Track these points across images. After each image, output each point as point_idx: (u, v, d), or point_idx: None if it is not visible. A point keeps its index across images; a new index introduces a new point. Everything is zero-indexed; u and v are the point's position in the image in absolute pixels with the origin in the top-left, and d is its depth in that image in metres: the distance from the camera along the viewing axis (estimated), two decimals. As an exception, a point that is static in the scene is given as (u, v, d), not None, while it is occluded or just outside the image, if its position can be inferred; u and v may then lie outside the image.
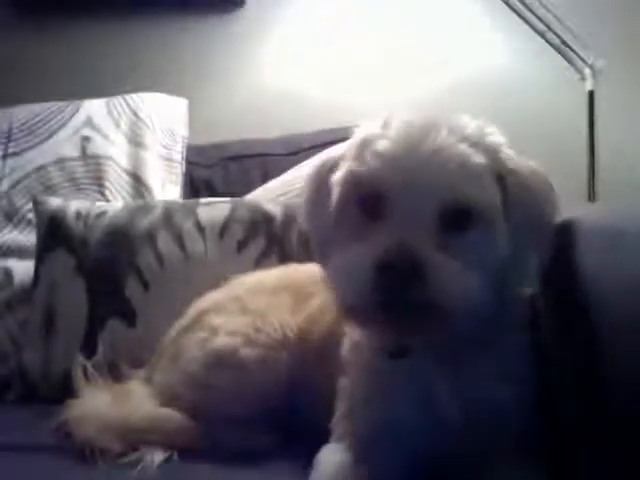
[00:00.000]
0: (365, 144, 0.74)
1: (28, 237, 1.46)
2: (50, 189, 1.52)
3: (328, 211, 0.76)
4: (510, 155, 0.75)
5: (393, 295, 0.65)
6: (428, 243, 0.66)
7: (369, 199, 0.71)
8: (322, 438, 0.81)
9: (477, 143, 0.72)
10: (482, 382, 0.76)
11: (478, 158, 0.71)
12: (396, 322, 0.69)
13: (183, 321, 1.07)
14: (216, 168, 1.67)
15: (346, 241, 0.72)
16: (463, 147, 0.70)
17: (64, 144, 1.57)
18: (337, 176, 0.75)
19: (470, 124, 0.74)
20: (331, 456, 0.78)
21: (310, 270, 1.08)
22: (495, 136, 0.76)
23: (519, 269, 0.74)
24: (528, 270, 0.76)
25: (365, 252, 0.67)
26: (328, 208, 0.76)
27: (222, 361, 0.96)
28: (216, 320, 1.01)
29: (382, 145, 0.71)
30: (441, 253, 0.67)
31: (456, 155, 0.69)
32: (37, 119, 1.61)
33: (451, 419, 0.75)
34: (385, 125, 0.74)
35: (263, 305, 1.01)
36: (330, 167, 0.79)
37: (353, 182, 0.73)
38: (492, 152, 0.73)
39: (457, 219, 0.69)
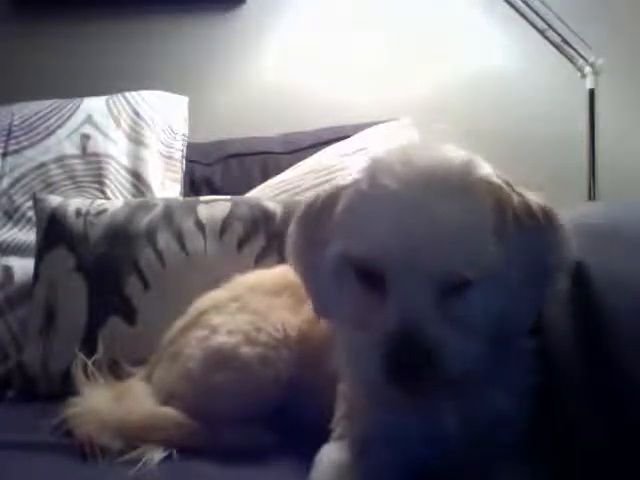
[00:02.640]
0: (352, 217, 0.72)
1: (28, 235, 1.46)
2: (50, 187, 1.52)
3: (322, 261, 0.74)
4: (505, 193, 0.71)
5: (404, 378, 0.67)
6: (431, 319, 0.66)
7: (365, 275, 0.70)
8: (322, 437, 0.81)
9: (469, 191, 0.68)
10: (482, 386, 0.75)
11: (472, 217, 0.67)
12: (406, 393, 0.69)
13: (183, 320, 1.07)
14: (216, 166, 1.67)
15: (348, 308, 0.72)
16: (456, 211, 0.66)
17: (64, 142, 1.57)
18: (330, 252, 0.73)
19: (457, 164, 0.70)
20: (331, 456, 0.78)
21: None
22: (484, 170, 0.71)
23: (526, 308, 0.73)
24: (536, 306, 0.75)
25: (372, 342, 0.67)
26: (321, 257, 0.74)
27: (222, 359, 0.96)
28: (216, 319, 1.01)
29: (371, 225, 0.69)
30: (444, 323, 0.66)
31: (450, 225, 0.66)
32: (37, 117, 1.61)
33: (450, 424, 0.75)
34: (371, 181, 0.71)
35: (264, 305, 1.01)
36: (318, 209, 0.77)
37: (346, 262, 0.71)
38: (485, 196, 0.69)
39: (457, 286, 0.68)
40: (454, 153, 0.72)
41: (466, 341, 0.67)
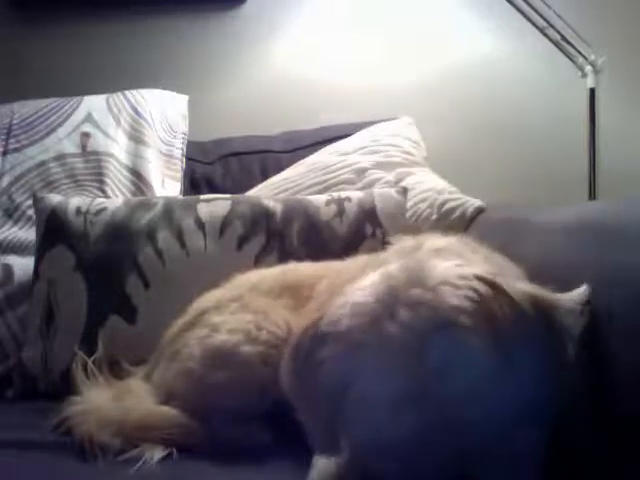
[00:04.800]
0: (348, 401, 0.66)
1: (28, 233, 1.46)
2: (50, 185, 1.52)
3: (323, 399, 0.70)
4: (490, 302, 0.66)
5: None
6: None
7: None
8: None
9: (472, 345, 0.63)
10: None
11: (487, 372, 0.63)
12: None
13: (183, 319, 1.07)
14: (216, 165, 1.67)
15: None
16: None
17: (64, 140, 1.57)
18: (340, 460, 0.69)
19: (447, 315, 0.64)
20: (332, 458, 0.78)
21: (309, 270, 1.08)
22: (459, 297, 0.66)
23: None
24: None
25: None
26: (321, 396, 0.70)
27: (222, 358, 0.96)
28: (217, 318, 1.01)
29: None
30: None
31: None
32: (37, 115, 1.60)
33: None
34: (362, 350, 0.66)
35: (265, 304, 1.01)
36: (311, 348, 0.73)
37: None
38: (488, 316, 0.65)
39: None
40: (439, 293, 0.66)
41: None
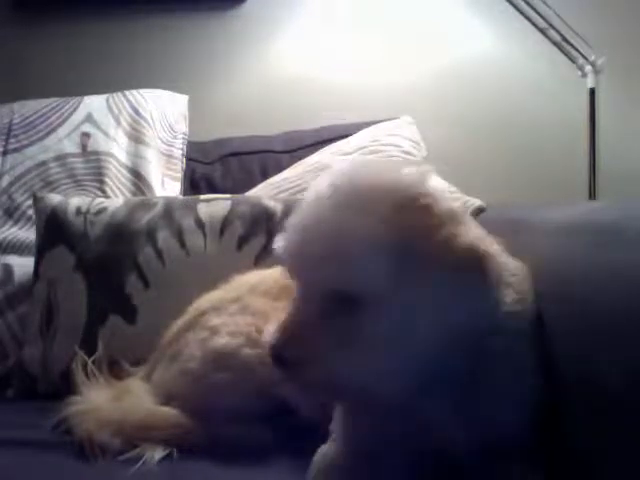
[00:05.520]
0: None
1: (28, 233, 1.46)
2: (50, 185, 1.52)
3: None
4: (429, 219, 0.66)
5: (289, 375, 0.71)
6: (315, 330, 0.69)
7: None
8: (322, 438, 0.81)
9: (368, 206, 0.66)
10: (482, 397, 0.74)
11: (357, 232, 0.65)
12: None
13: (182, 320, 1.07)
14: (217, 165, 1.67)
15: None
16: (338, 224, 0.66)
17: (64, 140, 1.57)
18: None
19: (382, 182, 0.68)
20: (329, 456, 0.78)
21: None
22: (425, 193, 0.68)
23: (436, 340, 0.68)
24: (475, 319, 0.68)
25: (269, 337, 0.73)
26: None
27: (223, 360, 0.96)
28: (216, 320, 1.01)
29: (286, 233, 0.72)
30: (329, 339, 0.68)
31: (330, 239, 0.66)
32: (37, 115, 1.61)
33: (450, 435, 0.74)
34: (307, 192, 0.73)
35: (264, 306, 1.01)
36: None
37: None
38: (393, 216, 0.66)
39: (343, 304, 0.67)
40: (401, 173, 0.70)
41: (359, 358, 0.67)
